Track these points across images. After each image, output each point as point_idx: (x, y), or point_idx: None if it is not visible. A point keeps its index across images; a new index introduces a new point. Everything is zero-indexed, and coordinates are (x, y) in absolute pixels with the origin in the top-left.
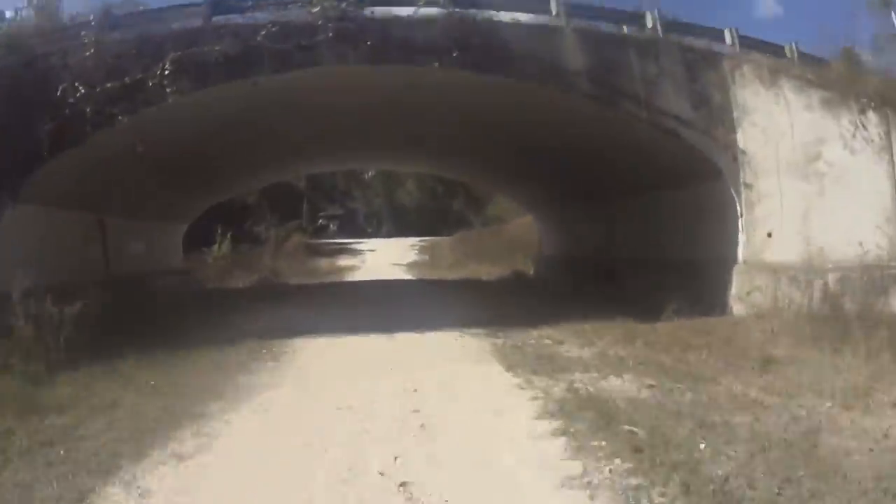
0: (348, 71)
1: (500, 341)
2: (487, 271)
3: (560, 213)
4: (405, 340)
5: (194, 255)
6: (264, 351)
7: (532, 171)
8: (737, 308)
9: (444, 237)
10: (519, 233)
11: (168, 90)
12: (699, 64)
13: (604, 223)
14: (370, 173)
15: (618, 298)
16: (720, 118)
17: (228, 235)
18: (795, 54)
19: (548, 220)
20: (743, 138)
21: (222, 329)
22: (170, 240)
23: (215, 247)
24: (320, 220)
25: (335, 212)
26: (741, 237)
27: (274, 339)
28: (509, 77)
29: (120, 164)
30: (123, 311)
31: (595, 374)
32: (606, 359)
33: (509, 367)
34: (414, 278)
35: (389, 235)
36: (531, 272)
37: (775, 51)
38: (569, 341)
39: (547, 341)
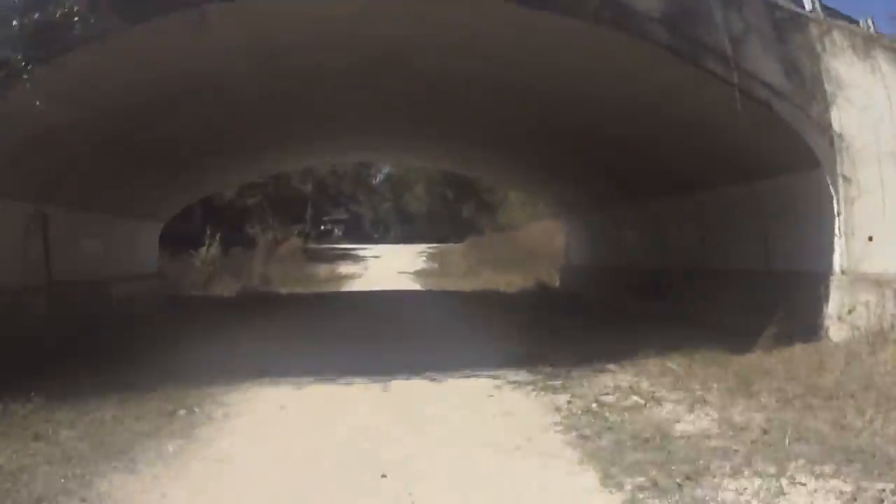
0: (334, 9)
1: (562, 398)
2: (505, 281)
3: (595, 215)
4: (408, 395)
5: (183, 258)
6: (182, 412)
7: (564, 162)
8: (835, 330)
9: (454, 244)
10: (537, 239)
11: (78, 23)
12: (786, 24)
13: (652, 226)
14: (378, 178)
15: (676, 318)
16: (813, 92)
17: (217, 237)
18: (872, 30)
19: (578, 224)
20: (838, 118)
21: (155, 360)
22: (139, 239)
23: (202, 249)
24: (324, 225)
25: (340, 216)
26: (839, 242)
27: (212, 385)
28: (563, 16)
29: (63, 144)
30: (50, 327)
31: (757, 480)
32: (743, 434)
33: (605, 475)
34: (422, 289)
35: (397, 241)
36: (556, 283)
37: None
38: (663, 394)
39: (634, 397)
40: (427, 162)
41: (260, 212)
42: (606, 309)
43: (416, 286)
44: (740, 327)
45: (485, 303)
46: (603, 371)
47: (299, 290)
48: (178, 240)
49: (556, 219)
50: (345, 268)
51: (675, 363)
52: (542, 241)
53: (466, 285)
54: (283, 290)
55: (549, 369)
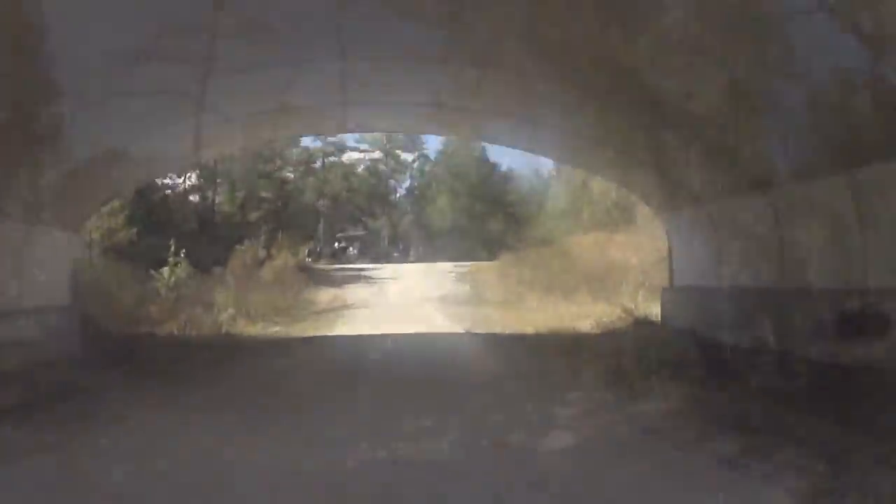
0: None
1: None
2: (571, 312)
3: (728, 204)
4: None
5: (148, 282)
6: None
7: (687, 126)
8: None
9: (486, 262)
10: (587, 255)
11: None
12: None
13: (846, 220)
14: (398, 193)
15: None
16: None
17: (182, 254)
18: None
19: (697, 222)
20: None
21: None
22: (32, 255)
23: (165, 271)
24: (338, 243)
25: (356, 233)
26: None
27: None
28: None
29: None
30: None
31: None
32: None
33: None
34: (459, 331)
35: (419, 259)
36: (653, 315)
37: None
38: None
39: None
40: (452, 131)
41: (266, 228)
42: (820, 370)
43: (448, 323)
44: None
45: (582, 363)
46: None
47: (276, 329)
48: (142, 258)
49: (651, 215)
50: (353, 292)
51: None
52: (594, 257)
53: (519, 320)
54: (251, 330)
55: None
